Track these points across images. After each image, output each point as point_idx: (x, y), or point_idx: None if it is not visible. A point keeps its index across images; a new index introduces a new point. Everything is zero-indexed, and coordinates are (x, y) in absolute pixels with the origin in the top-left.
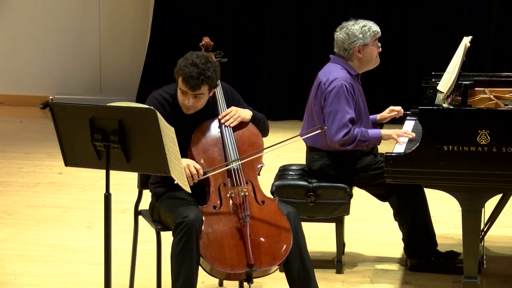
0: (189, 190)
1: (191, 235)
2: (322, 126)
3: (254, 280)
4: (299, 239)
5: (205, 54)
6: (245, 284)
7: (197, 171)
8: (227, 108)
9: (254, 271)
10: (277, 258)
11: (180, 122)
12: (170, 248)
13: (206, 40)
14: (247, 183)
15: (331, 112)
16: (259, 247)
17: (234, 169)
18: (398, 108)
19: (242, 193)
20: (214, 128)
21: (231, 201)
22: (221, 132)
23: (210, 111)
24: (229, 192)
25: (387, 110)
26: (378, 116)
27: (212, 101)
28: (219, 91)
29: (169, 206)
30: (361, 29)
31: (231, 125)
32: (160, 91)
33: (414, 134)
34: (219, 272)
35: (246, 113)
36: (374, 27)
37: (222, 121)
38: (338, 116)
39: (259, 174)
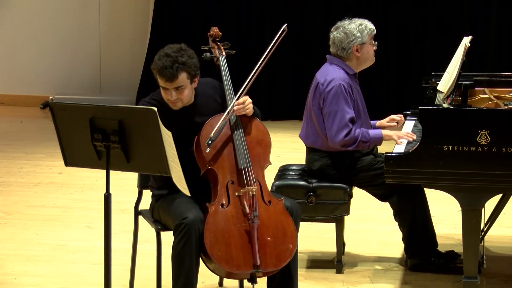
0: (188, 194)
1: (191, 235)
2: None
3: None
4: None
5: (179, 45)
6: (246, 283)
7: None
8: (235, 96)
9: (259, 271)
10: (282, 260)
11: (175, 121)
12: (171, 249)
13: (214, 30)
14: (254, 182)
15: (330, 112)
16: (265, 248)
17: (244, 168)
18: (399, 117)
19: (251, 193)
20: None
21: (239, 200)
22: (231, 129)
23: (210, 103)
24: (238, 191)
25: (387, 119)
26: (378, 123)
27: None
28: (226, 76)
29: (169, 208)
30: (358, 28)
31: (239, 113)
32: (147, 99)
33: (415, 136)
34: (223, 271)
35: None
36: (369, 25)
37: (236, 108)
38: (338, 117)
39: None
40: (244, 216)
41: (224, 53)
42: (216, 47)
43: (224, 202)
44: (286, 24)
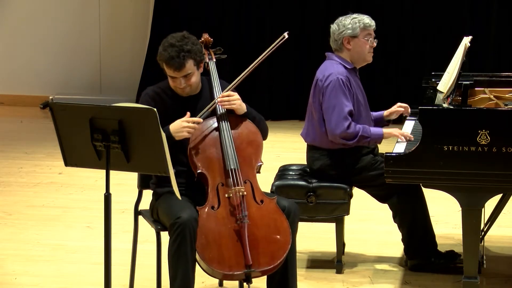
0: (179, 197)
1: (185, 235)
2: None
3: (253, 279)
4: (292, 235)
5: (181, 33)
6: (246, 284)
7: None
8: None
9: (253, 271)
10: (276, 258)
11: (179, 109)
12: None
13: (205, 36)
14: (245, 182)
15: (329, 106)
16: (257, 247)
17: (232, 169)
18: (405, 105)
19: (240, 193)
20: (212, 127)
21: (229, 202)
22: (219, 130)
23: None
24: (228, 192)
25: (395, 106)
26: (385, 112)
27: (209, 87)
28: (214, 78)
29: (165, 207)
30: (351, 21)
31: (225, 107)
32: (152, 87)
33: (413, 137)
34: (218, 273)
35: (243, 106)
36: (366, 19)
37: (219, 100)
38: (337, 110)
39: (258, 172)
40: (234, 217)
41: (214, 59)
42: (207, 53)
43: (214, 204)
44: (287, 32)
